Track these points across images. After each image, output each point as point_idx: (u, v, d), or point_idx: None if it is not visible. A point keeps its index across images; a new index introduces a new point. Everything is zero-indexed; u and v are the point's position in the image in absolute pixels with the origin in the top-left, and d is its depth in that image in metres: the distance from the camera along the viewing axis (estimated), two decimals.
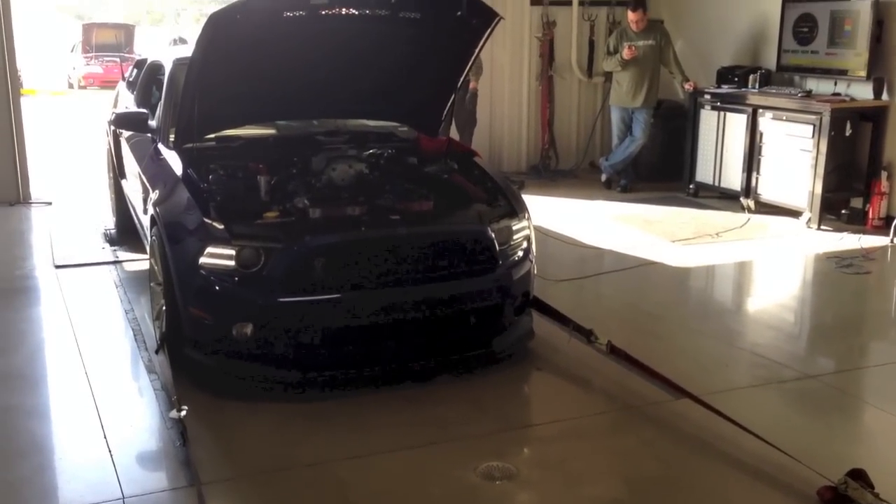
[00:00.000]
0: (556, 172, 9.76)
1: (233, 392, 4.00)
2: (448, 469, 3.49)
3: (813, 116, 7.36)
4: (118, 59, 19.42)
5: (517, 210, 4.54)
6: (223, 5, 4.32)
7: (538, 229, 5.30)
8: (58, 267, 6.13)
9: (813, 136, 7.34)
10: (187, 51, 4.69)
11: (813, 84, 7.94)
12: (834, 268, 6.36)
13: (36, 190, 8.30)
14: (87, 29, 25.61)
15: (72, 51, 25.16)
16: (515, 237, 4.46)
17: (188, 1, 44.34)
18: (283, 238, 3.97)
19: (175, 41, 21.27)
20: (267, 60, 4.51)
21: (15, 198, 8.06)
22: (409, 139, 5.26)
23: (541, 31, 9.69)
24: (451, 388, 4.18)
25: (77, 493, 3.34)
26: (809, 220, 7.41)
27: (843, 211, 7.57)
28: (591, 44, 9.91)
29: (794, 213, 7.62)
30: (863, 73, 7.38)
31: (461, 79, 5.00)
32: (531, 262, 4.55)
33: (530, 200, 4.95)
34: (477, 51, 4.76)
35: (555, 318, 4.71)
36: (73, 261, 6.25)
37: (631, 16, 8.59)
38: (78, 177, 9.51)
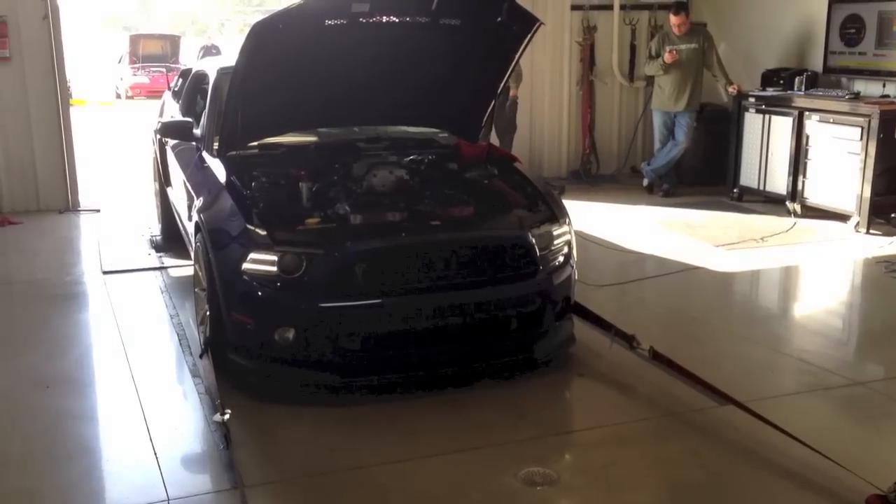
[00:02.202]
0: (597, 177, 9.70)
1: (275, 396, 4.04)
2: (489, 474, 3.48)
3: (861, 119, 7.22)
4: (164, 70, 19.78)
5: (558, 215, 4.52)
6: (266, 15, 4.38)
7: (579, 234, 5.28)
8: (105, 273, 6.25)
9: (861, 138, 7.20)
10: (230, 60, 4.75)
11: (861, 86, 7.80)
12: (883, 272, 6.22)
13: (85, 198, 8.48)
14: (134, 40, 26.09)
15: (119, 62, 25.64)
16: (556, 242, 4.44)
17: (232, 11, 45.02)
18: (324, 244, 4.00)
19: (207, 48, 21.63)
20: (308, 68, 4.56)
21: (64, 205, 8.23)
22: (450, 145, 5.27)
23: (581, 36, 9.65)
24: (493, 393, 4.17)
25: (123, 496, 3.41)
26: (858, 224, 7.27)
27: (893, 215, 7.38)
28: (633, 48, 9.85)
29: (842, 217, 7.48)
30: None
31: (501, 85, 5.00)
32: (572, 267, 4.53)
33: (571, 205, 4.92)
34: (517, 56, 4.76)
35: (596, 323, 4.67)
36: (120, 267, 6.37)
37: (673, 19, 8.52)
38: (125, 185, 9.69)
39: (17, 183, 8.05)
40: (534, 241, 4.28)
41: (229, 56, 5.24)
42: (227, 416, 3.59)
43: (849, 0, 7.80)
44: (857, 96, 7.58)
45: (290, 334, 3.95)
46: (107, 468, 3.65)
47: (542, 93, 9.70)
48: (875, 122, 7.08)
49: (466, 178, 4.87)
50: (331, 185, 4.54)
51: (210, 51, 21.79)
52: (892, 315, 5.61)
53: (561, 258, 4.46)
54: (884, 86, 7.57)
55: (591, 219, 7.67)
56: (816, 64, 8.23)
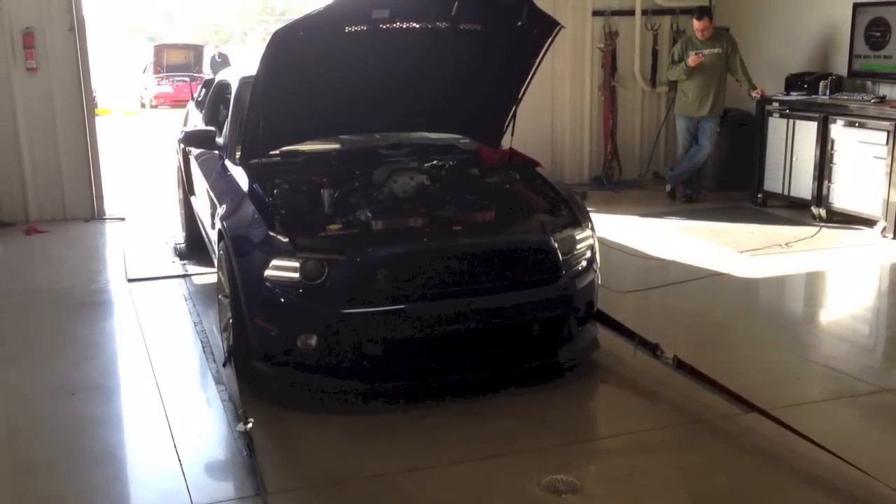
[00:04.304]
0: (619, 183, 9.66)
1: (298, 403, 4.04)
2: (512, 482, 3.47)
3: (887, 123, 7.13)
4: (188, 79, 19.97)
5: (580, 219, 4.51)
6: (287, 23, 4.40)
7: (602, 240, 5.25)
8: (130, 280, 6.31)
9: (887, 142, 7.11)
10: (251, 69, 4.78)
11: (886, 89, 7.71)
12: None
13: (110, 206, 8.57)
14: (159, 50, 26.36)
15: (144, 71, 25.91)
16: (579, 247, 4.42)
17: (255, 21, 45.40)
18: (346, 250, 4.00)
19: (215, 57, 22.03)
20: (329, 76, 4.58)
21: (90, 214, 8.32)
22: (471, 150, 5.27)
23: (603, 42, 9.63)
24: (516, 399, 4.15)
25: (148, 501, 3.44)
26: (884, 229, 7.18)
27: None
28: (655, 53, 9.81)
29: (868, 223, 7.39)
30: None
31: (523, 89, 4.98)
32: (595, 271, 4.51)
33: (593, 211, 4.90)
34: (538, 61, 4.74)
35: (620, 331, 4.64)
36: (144, 274, 6.42)
37: (696, 24, 8.47)
38: (150, 193, 9.77)
39: (44, 192, 8.15)
40: (556, 245, 4.26)
41: (241, 65, 5.27)
42: (249, 426, 3.61)
43: (874, 3, 7.72)
44: (882, 100, 7.49)
45: (313, 341, 3.96)
46: (132, 474, 3.67)
47: (564, 98, 9.68)
48: None
49: (488, 183, 4.86)
50: (352, 191, 4.56)
51: (215, 59, 22.16)
52: None
53: (584, 263, 4.44)
54: None
55: (613, 225, 7.63)
56: (841, 68, 8.14)
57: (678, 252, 6.89)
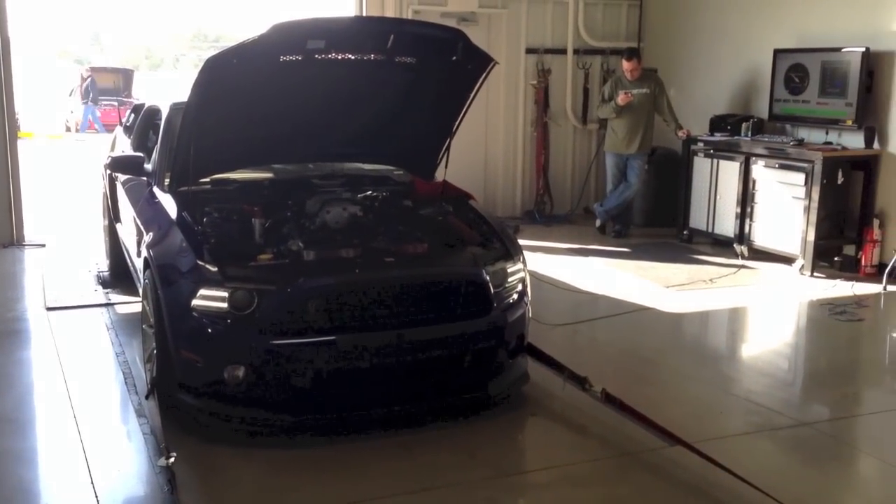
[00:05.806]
0: (550, 218, 9.81)
1: (223, 437, 3.95)
2: None
3: (805, 164, 7.42)
4: (116, 104, 19.59)
5: (512, 253, 4.55)
6: (220, 50, 4.36)
7: (533, 274, 5.30)
8: (49, 309, 6.10)
9: (805, 183, 7.39)
10: (180, 95, 4.72)
11: (805, 133, 8.02)
12: (827, 315, 6.35)
13: (30, 232, 8.31)
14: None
15: (70, 95, 25.32)
16: (510, 280, 4.45)
17: (187, 46, 44.95)
18: (276, 280, 3.95)
19: (85, 73, 22.09)
20: (263, 104, 4.54)
21: (9, 240, 8.05)
22: (405, 182, 5.28)
23: (536, 79, 9.81)
24: (445, 433, 4.14)
25: None
26: (802, 266, 7.43)
27: (836, 258, 7.60)
28: (586, 91, 10.04)
29: (788, 260, 7.64)
30: (854, 123, 7.45)
31: (457, 123, 5.03)
32: (526, 304, 4.54)
33: (525, 245, 4.95)
34: (472, 95, 4.80)
35: (549, 364, 4.68)
36: (64, 303, 6.22)
37: (626, 65, 8.71)
38: (72, 219, 9.51)
39: None
40: (488, 278, 4.28)
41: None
42: (171, 460, 3.49)
43: (793, 50, 8.06)
44: (801, 143, 7.79)
45: (241, 372, 3.88)
46: None
47: (497, 133, 9.82)
48: (818, 168, 7.27)
49: (421, 215, 4.87)
50: (284, 221, 4.51)
51: (84, 80, 22.18)
52: (836, 356, 5.72)
53: (515, 296, 4.47)
54: (826, 133, 7.79)
55: (544, 259, 7.73)
56: (762, 111, 8.45)
57: (607, 286, 7.01)
